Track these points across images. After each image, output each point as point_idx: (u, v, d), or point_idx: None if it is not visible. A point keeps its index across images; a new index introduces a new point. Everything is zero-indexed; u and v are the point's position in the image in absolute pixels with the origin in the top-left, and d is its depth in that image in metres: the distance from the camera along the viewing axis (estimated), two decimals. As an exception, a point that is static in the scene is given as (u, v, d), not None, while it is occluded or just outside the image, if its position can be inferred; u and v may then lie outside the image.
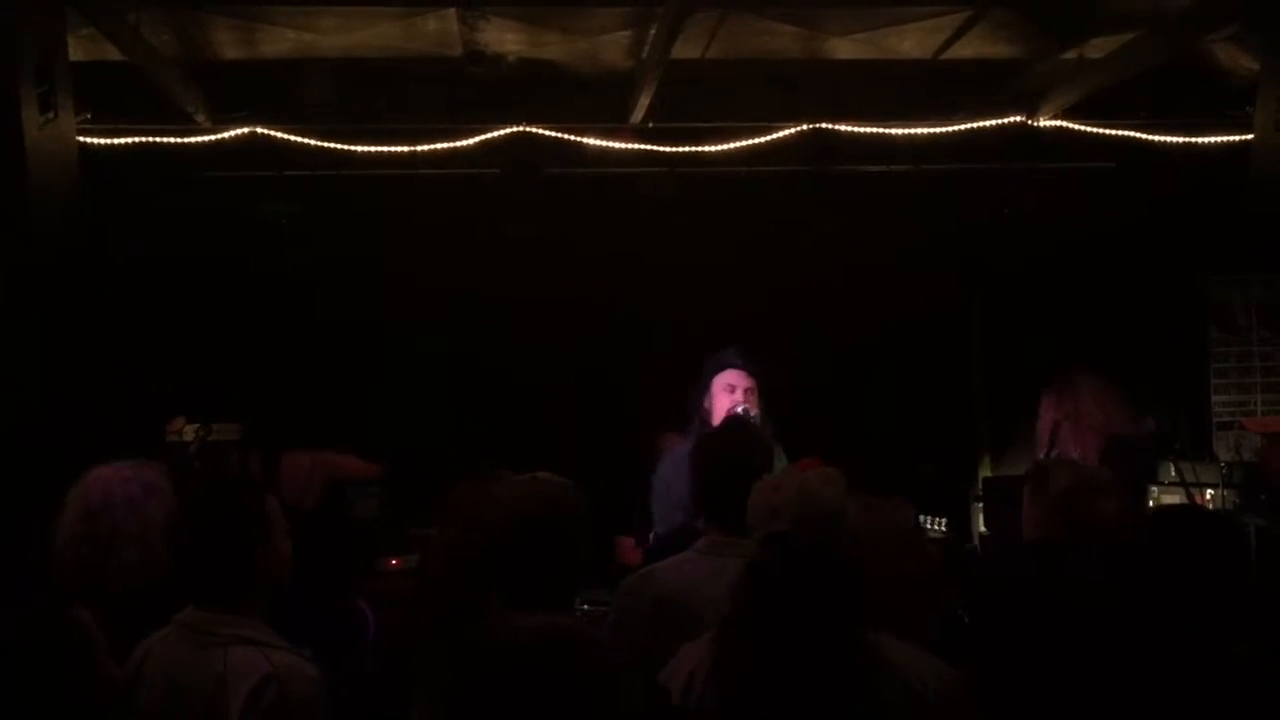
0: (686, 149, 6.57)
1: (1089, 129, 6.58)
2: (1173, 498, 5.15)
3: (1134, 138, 6.61)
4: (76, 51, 4.92)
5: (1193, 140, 6.55)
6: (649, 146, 6.54)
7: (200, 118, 6.27)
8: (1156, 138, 6.60)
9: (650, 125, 6.49)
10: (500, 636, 1.28)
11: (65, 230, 4.13)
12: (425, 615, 2.53)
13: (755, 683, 1.93)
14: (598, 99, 6.50)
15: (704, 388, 4.66)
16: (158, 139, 6.24)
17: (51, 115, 4.00)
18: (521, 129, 6.43)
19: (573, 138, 6.48)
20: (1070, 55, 6.16)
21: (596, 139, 6.50)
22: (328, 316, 6.49)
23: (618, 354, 6.70)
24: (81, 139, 4.82)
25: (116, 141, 6.13)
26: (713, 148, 6.54)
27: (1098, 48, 6.08)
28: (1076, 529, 3.02)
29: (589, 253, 6.62)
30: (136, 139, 6.20)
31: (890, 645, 2.18)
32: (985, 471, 7.20)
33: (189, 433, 5.01)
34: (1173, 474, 4.93)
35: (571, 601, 2.52)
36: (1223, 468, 4.79)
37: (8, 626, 2.25)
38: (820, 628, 1.99)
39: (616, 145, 6.52)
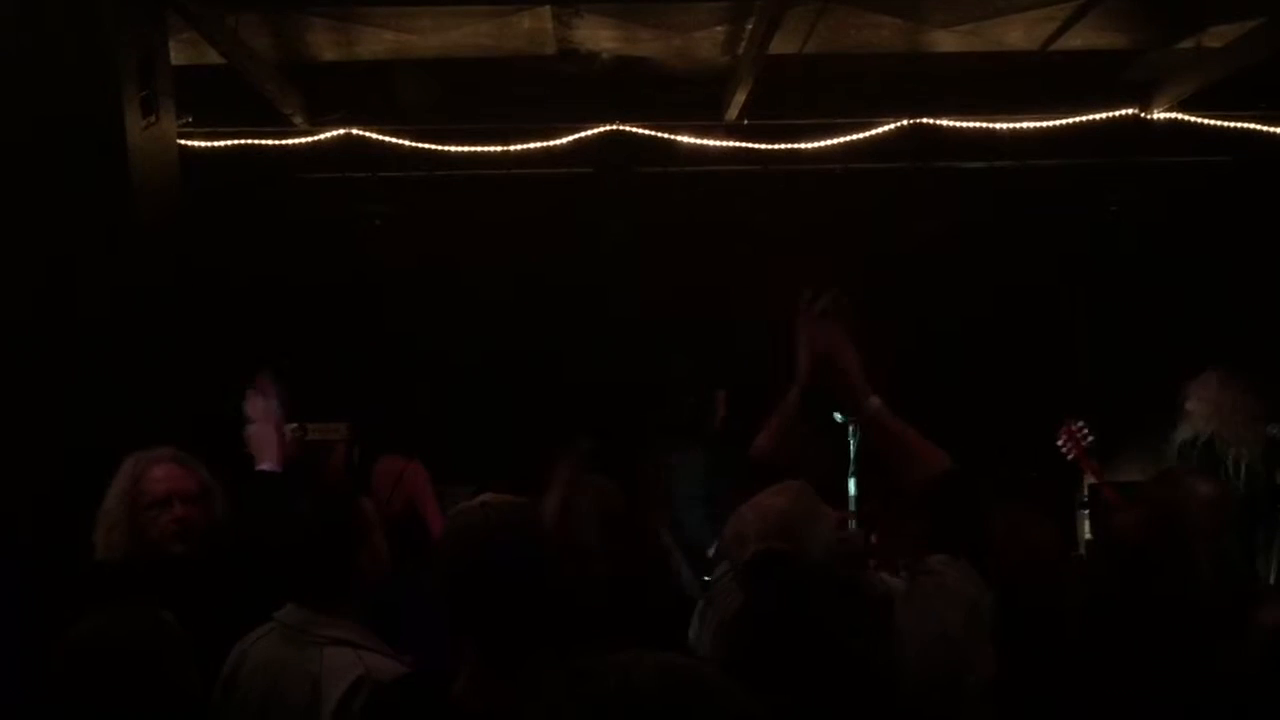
0: (783, 146, 6.44)
1: (1206, 121, 6.30)
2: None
3: (1254, 130, 6.32)
4: (177, 55, 4.97)
5: (1317, 133, 6.25)
6: (744, 144, 6.43)
7: (298, 120, 6.32)
8: (1276, 130, 6.30)
9: (745, 122, 6.38)
10: (609, 681, 1.14)
11: (167, 232, 4.16)
12: None
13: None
14: (692, 96, 6.42)
15: None
16: (257, 141, 6.31)
17: (153, 119, 4.03)
18: (615, 128, 6.36)
19: (666, 136, 6.40)
20: (1187, 44, 5.90)
21: (691, 137, 6.41)
22: (422, 314, 6.50)
23: (710, 354, 6.59)
24: (182, 142, 4.87)
25: (217, 144, 6.21)
26: (810, 145, 6.41)
27: (1216, 36, 5.81)
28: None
29: (683, 251, 6.53)
30: (236, 141, 6.27)
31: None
32: (1091, 478, 6.94)
33: (285, 432, 5.04)
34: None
35: (573, 643, 1.93)
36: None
37: (107, 627, 2.26)
38: (805, 634, 1.90)
39: (711, 143, 6.42)
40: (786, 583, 1.98)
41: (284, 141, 6.33)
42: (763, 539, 2.11)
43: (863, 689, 1.88)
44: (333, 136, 6.34)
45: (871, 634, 1.95)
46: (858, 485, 4.76)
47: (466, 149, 6.37)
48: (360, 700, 2.29)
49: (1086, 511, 6.62)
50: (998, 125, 6.35)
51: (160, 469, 2.96)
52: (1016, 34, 5.85)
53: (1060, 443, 4.68)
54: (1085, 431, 4.65)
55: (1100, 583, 2.65)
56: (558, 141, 6.37)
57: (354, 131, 6.32)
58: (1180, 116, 6.32)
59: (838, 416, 4.79)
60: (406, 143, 6.32)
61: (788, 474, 2.48)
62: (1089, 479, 6.84)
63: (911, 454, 2.43)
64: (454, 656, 1.97)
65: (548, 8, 5.47)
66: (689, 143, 6.42)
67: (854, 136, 6.39)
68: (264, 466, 3.08)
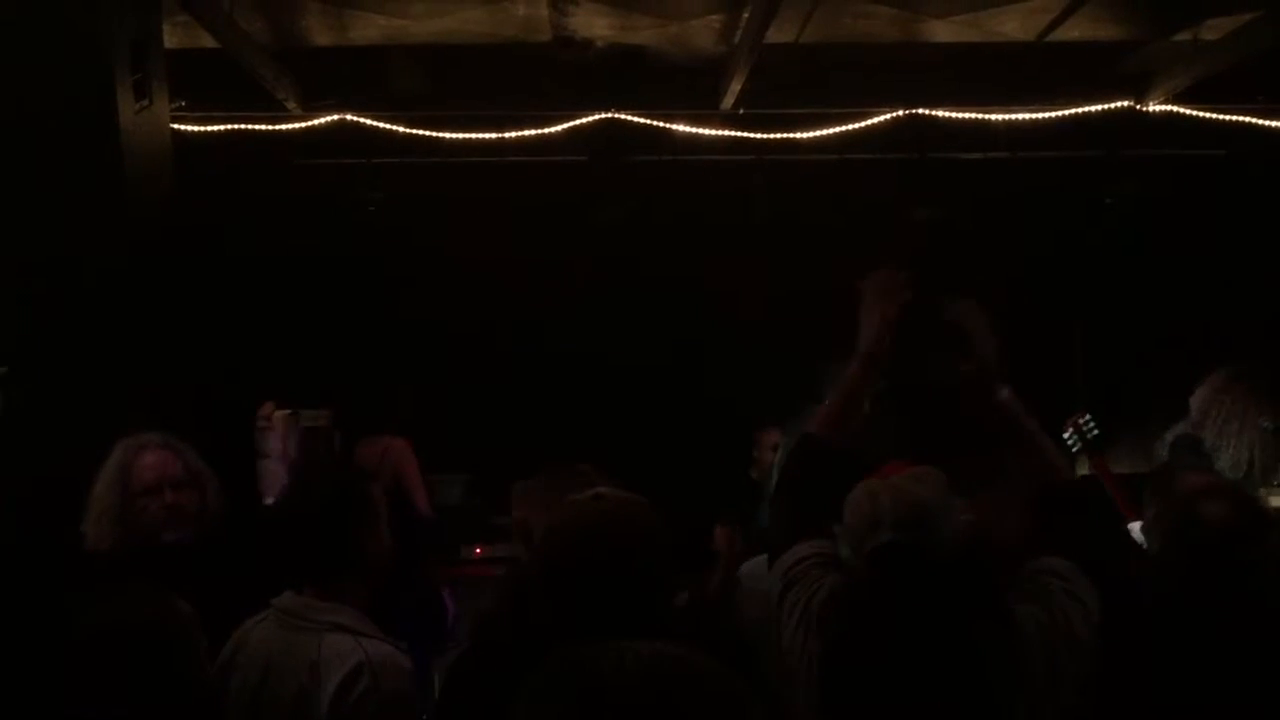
0: (778, 136, 6.44)
1: (1202, 114, 6.30)
2: (1288, 501, 4.91)
3: (1249, 124, 6.32)
4: (171, 39, 4.94)
5: (1313, 127, 6.25)
6: (739, 133, 6.42)
7: (291, 105, 6.29)
8: (1273, 124, 6.30)
9: (741, 112, 6.37)
10: (603, 665, 1.13)
11: (160, 217, 4.14)
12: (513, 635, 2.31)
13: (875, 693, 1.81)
14: (688, 85, 6.40)
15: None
16: (250, 126, 6.28)
17: (146, 102, 4.00)
18: (610, 116, 6.34)
19: (662, 124, 6.38)
20: (1183, 36, 5.90)
21: (686, 126, 6.39)
22: (414, 302, 6.48)
23: (708, 342, 6.58)
24: (175, 126, 4.85)
25: (210, 129, 6.18)
26: (805, 135, 6.40)
27: (1213, 29, 5.81)
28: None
29: (677, 241, 6.51)
30: (229, 126, 6.24)
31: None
32: (1083, 470, 6.95)
33: (278, 419, 5.02)
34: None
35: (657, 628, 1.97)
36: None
37: (117, 613, 2.26)
38: (941, 630, 1.84)
39: (706, 132, 6.41)
40: (919, 577, 1.94)
41: (278, 127, 6.30)
42: (899, 527, 2.02)
43: (977, 689, 1.84)
44: (327, 122, 6.32)
45: (995, 634, 1.91)
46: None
47: (461, 136, 6.35)
48: (361, 687, 2.29)
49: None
50: (993, 116, 6.34)
51: (150, 455, 2.94)
52: (1012, 24, 5.84)
53: (1066, 435, 4.67)
54: (1091, 424, 4.63)
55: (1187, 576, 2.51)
56: (553, 129, 6.35)
57: (348, 117, 6.30)
58: (1176, 109, 6.32)
59: None
60: (400, 129, 6.30)
61: (848, 453, 2.39)
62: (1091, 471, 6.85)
63: (1038, 455, 2.35)
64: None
65: (543, -6, 5.46)
66: (684, 131, 6.41)
67: (849, 126, 6.38)
68: (270, 501, 3.06)
